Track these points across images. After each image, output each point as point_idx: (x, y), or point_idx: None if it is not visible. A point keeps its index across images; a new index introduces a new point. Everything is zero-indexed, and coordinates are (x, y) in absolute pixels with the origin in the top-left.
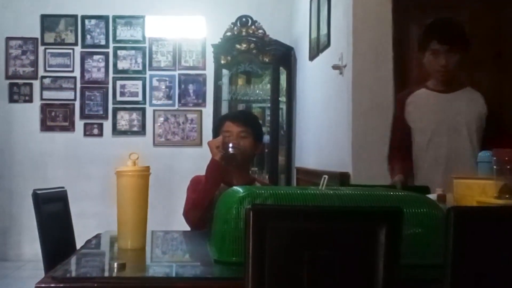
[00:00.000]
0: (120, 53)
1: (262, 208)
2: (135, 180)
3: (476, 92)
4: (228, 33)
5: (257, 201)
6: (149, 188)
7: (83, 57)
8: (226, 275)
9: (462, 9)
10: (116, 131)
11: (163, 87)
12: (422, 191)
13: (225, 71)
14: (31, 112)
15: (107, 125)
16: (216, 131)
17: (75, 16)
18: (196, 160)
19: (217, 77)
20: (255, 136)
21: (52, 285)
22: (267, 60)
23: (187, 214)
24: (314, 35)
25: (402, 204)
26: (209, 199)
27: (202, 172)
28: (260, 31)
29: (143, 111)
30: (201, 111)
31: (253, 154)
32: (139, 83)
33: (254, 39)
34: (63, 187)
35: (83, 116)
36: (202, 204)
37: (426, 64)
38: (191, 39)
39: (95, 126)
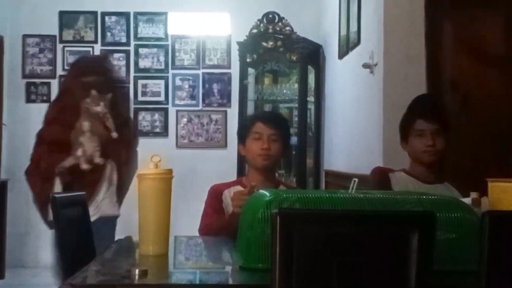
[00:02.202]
0: (142, 51)
1: (290, 213)
2: (157, 184)
3: (454, 189)
4: (254, 30)
5: (284, 205)
6: (172, 192)
7: None
8: (252, 282)
9: (498, 7)
10: (137, 132)
11: (187, 86)
12: None
13: (251, 70)
14: None
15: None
16: (244, 132)
17: (95, 13)
18: (220, 163)
19: (243, 76)
20: (284, 140)
21: None
22: (294, 58)
23: (202, 233)
24: (343, 32)
25: (435, 208)
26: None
27: (226, 176)
28: (288, 28)
29: (165, 111)
30: (226, 111)
31: (281, 158)
32: (162, 82)
33: (281, 37)
34: (82, 192)
35: None
36: (215, 234)
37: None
38: (216, 37)
39: None
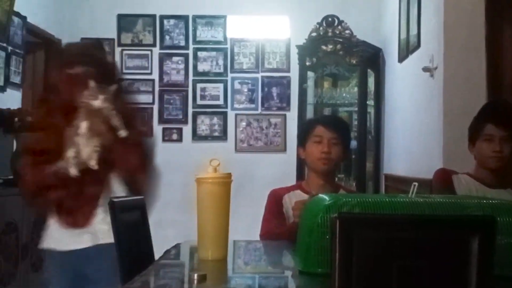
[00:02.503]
0: (201, 54)
1: (349, 217)
2: (216, 188)
3: None
4: (314, 34)
5: (343, 210)
6: (231, 196)
7: (162, 59)
8: (311, 287)
9: None
10: (196, 136)
11: (245, 90)
12: None
13: (310, 74)
14: None
15: (187, 130)
16: (304, 136)
17: (153, 16)
18: (280, 167)
19: (302, 79)
20: (345, 144)
21: None
22: (354, 61)
23: (262, 239)
24: (403, 35)
25: (495, 213)
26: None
27: (285, 180)
28: (347, 31)
29: (224, 115)
30: (285, 115)
31: (341, 161)
32: (220, 86)
33: (340, 40)
34: (141, 196)
35: (161, 120)
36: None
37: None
38: (275, 40)
39: (174, 131)
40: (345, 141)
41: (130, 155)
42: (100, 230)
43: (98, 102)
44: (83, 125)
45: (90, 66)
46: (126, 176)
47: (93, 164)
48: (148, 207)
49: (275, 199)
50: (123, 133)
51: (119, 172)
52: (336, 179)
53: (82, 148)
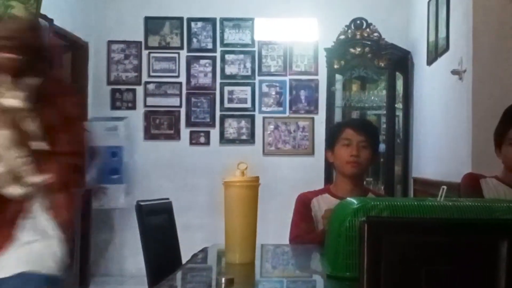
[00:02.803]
0: (228, 57)
1: (377, 221)
2: (244, 191)
3: None
4: (342, 36)
5: (372, 213)
6: (258, 200)
7: (189, 62)
8: None
9: None
10: (224, 140)
11: (273, 93)
12: None
13: (338, 77)
14: (134, 119)
15: (214, 133)
16: (333, 139)
17: (181, 19)
18: (308, 170)
19: (330, 82)
20: (374, 147)
21: None
22: (382, 64)
23: (292, 242)
24: (432, 38)
25: None
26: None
27: (313, 184)
28: (376, 34)
29: (252, 118)
30: (313, 118)
31: (370, 165)
32: (248, 89)
33: (369, 43)
34: (167, 199)
35: (189, 123)
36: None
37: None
38: (303, 43)
39: (202, 134)
40: (374, 144)
41: (53, 173)
42: (24, 251)
43: (9, 101)
44: None
45: (11, 51)
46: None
47: (37, 180)
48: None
49: (304, 203)
50: (38, 144)
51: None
52: (365, 182)
53: (5, 158)
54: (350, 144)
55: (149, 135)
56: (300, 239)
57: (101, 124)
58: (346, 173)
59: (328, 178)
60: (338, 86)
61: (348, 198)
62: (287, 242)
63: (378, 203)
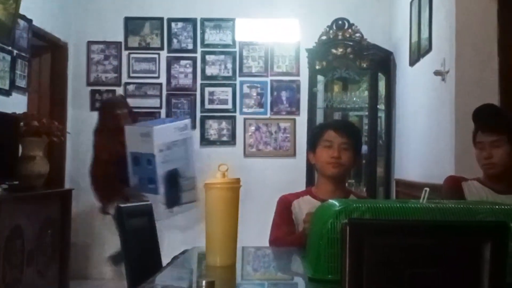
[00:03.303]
0: (209, 58)
1: (360, 223)
2: (225, 193)
3: None
4: (323, 37)
5: (354, 215)
6: (239, 202)
7: (169, 62)
8: None
9: None
10: (204, 141)
11: (254, 94)
12: None
13: (320, 77)
14: None
15: (195, 134)
16: (315, 140)
17: (161, 19)
18: (289, 172)
19: (312, 83)
20: (356, 149)
21: None
22: (364, 65)
23: (272, 244)
24: (414, 39)
25: (508, 218)
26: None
27: (295, 185)
28: (357, 34)
29: (233, 119)
30: (294, 119)
31: (352, 167)
32: (229, 90)
33: (351, 43)
34: (148, 201)
35: None
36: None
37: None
38: (284, 43)
39: None
40: (356, 146)
41: None
42: None
43: None
44: None
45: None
46: None
47: None
48: None
49: (285, 205)
50: None
51: None
52: (347, 184)
53: None
54: (332, 146)
55: None
56: (280, 241)
57: (134, 130)
58: (327, 174)
59: (310, 180)
60: (320, 87)
61: (330, 200)
62: (268, 244)
63: (360, 205)
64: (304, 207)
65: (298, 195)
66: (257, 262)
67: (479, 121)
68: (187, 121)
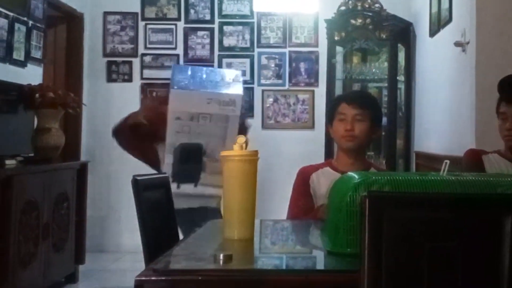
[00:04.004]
0: (226, 29)
1: (379, 195)
2: (243, 165)
3: None
4: (342, 8)
5: (373, 188)
6: (257, 174)
7: (187, 33)
8: (340, 267)
9: None
10: None
11: (273, 65)
12: None
13: (339, 48)
14: (130, 92)
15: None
16: (331, 114)
17: None
18: (308, 144)
19: (331, 54)
20: (373, 120)
21: (153, 278)
22: (384, 36)
23: (290, 218)
24: (434, 9)
25: None
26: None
27: (314, 157)
28: (377, 5)
29: (251, 91)
30: (313, 91)
31: (370, 139)
32: (247, 61)
33: (370, 14)
34: (165, 173)
35: None
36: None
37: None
38: (303, 14)
39: None
40: (372, 117)
41: None
42: None
43: None
44: None
45: None
46: None
47: None
48: None
49: (302, 179)
50: None
51: None
52: (366, 157)
53: None
54: (345, 118)
55: None
56: (297, 219)
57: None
58: (342, 147)
59: (329, 152)
60: (339, 58)
61: (349, 173)
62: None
63: (379, 177)
64: (323, 179)
65: (317, 167)
66: (275, 235)
67: (503, 92)
68: (238, 95)
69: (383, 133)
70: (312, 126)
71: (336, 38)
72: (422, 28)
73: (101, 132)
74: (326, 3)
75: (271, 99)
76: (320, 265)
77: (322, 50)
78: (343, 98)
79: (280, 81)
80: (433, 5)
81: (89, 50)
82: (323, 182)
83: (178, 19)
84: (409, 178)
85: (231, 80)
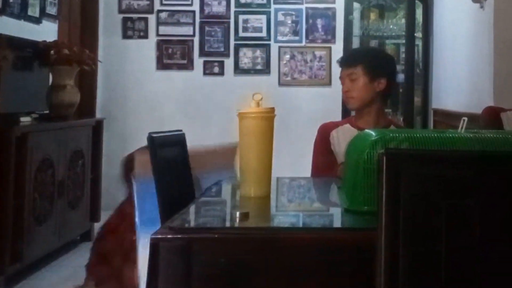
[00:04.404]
0: None
1: (396, 153)
2: (259, 123)
3: None
4: None
5: (390, 145)
6: (274, 131)
7: None
8: (357, 225)
9: None
10: (238, 70)
11: (289, 21)
12: None
13: (356, 5)
14: (146, 49)
15: (229, 63)
16: None
17: None
18: (324, 101)
19: (348, 11)
20: (369, 73)
21: (169, 236)
22: None
23: (312, 176)
24: None
25: None
26: None
27: (331, 115)
28: None
29: (267, 48)
30: (330, 48)
31: (375, 94)
32: (263, 17)
33: None
34: (180, 130)
35: (202, 53)
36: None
37: None
38: None
39: (216, 64)
40: (367, 70)
41: None
42: None
43: None
44: None
45: None
46: None
47: None
48: None
49: (322, 136)
50: None
51: None
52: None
53: None
54: (343, 82)
55: (161, 65)
56: (317, 177)
57: None
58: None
59: (346, 109)
60: (356, 14)
61: (366, 130)
62: (303, 174)
63: (397, 134)
64: (342, 137)
65: (337, 124)
66: (292, 193)
67: None
68: None
69: (401, 90)
70: (329, 83)
71: None
72: None
73: (116, 89)
74: None
75: (287, 56)
76: (337, 223)
77: (339, 6)
78: (338, 62)
79: (296, 38)
80: None
81: (104, 6)
82: (343, 139)
83: None
84: (427, 135)
85: None
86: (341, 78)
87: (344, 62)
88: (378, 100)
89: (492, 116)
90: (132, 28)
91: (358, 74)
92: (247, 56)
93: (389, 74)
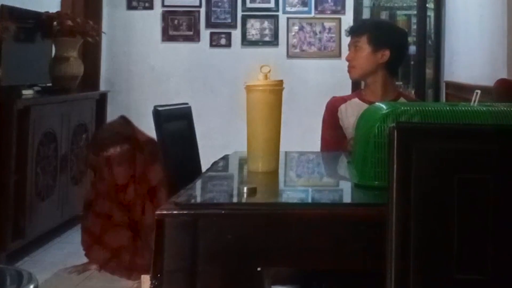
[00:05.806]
0: None
1: (408, 127)
2: (267, 96)
3: None
4: None
5: (402, 119)
6: (282, 105)
7: None
8: (367, 201)
9: None
10: (246, 41)
11: None
12: None
13: None
14: (151, 20)
15: (236, 34)
16: None
17: None
18: (334, 73)
19: None
20: (373, 43)
21: (175, 211)
22: None
23: (321, 150)
24: None
25: None
26: None
27: (340, 87)
28: None
29: (275, 19)
30: (339, 19)
31: (377, 65)
32: None
33: None
34: (187, 103)
35: (209, 24)
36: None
37: None
38: None
39: (223, 35)
40: (372, 40)
41: None
42: None
43: None
44: None
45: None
46: None
47: None
48: None
49: (330, 111)
50: None
51: None
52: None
53: None
54: (350, 51)
55: (167, 37)
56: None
57: None
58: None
59: (355, 82)
60: None
61: (377, 103)
62: (312, 149)
63: (408, 108)
64: (351, 111)
65: (346, 99)
66: (301, 167)
67: None
68: None
69: (412, 62)
70: (338, 55)
71: None
72: None
73: (120, 62)
74: None
75: (296, 27)
76: (347, 198)
77: None
78: (346, 31)
79: (305, 9)
80: None
81: None
82: (351, 113)
83: None
84: (439, 108)
85: None
86: (349, 46)
87: (350, 31)
88: (382, 71)
89: (506, 89)
90: None
91: (362, 43)
92: (254, 28)
93: (393, 46)
